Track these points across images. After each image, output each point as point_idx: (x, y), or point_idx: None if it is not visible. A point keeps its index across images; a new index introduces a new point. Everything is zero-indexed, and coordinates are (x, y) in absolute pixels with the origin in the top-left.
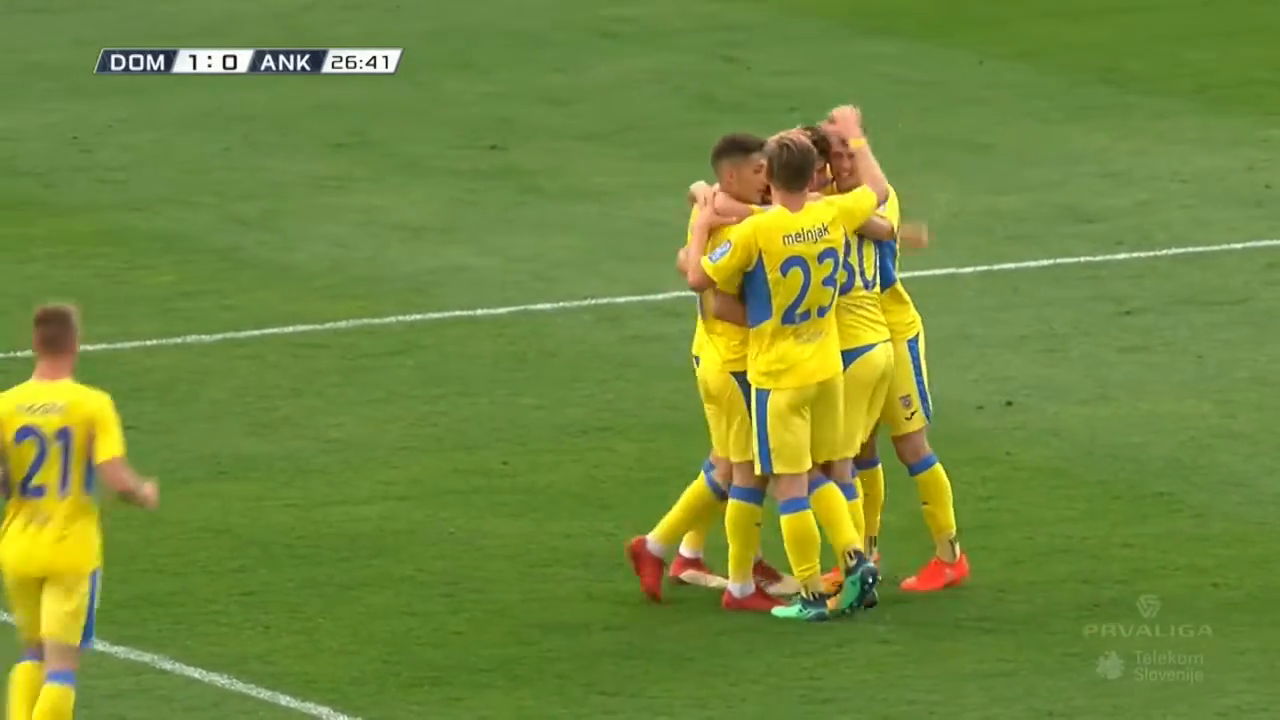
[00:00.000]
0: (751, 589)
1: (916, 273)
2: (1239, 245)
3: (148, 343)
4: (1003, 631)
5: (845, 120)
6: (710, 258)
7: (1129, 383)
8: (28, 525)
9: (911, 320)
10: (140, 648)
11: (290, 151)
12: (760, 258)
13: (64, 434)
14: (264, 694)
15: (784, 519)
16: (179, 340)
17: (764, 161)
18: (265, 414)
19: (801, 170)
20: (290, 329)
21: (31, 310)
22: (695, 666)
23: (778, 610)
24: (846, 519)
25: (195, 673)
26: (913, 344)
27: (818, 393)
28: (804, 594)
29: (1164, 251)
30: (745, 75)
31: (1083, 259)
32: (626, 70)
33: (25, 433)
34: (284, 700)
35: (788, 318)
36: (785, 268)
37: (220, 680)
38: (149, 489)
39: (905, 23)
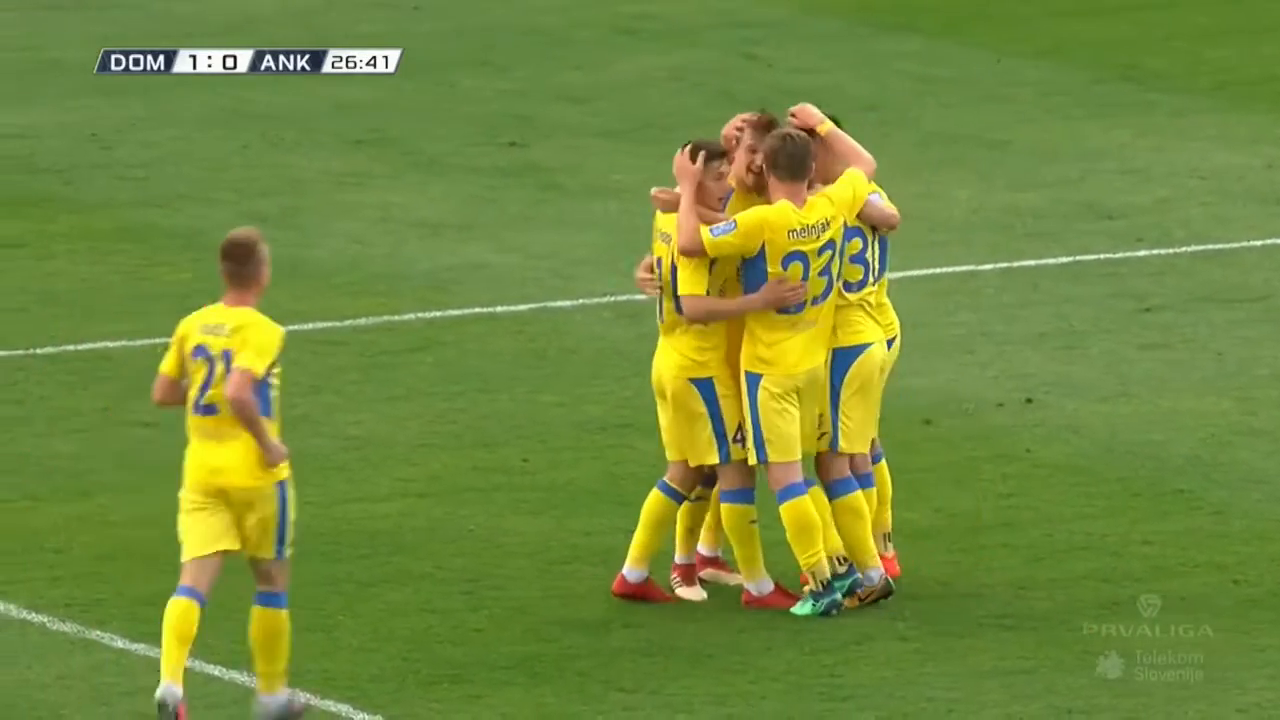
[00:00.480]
0: (770, 586)
1: (936, 269)
2: (1259, 242)
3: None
4: (1023, 629)
5: (805, 112)
6: (712, 230)
7: (1149, 380)
8: (205, 441)
9: (889, 322)
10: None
11: (309, 149)
12: (763, 249)
13: (226, 355)
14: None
15: (782, 508)
16: None
17: (723, 170)
18: (284, 411)
19: (804, 160)
20: (309, 326)
21: (50, 306)
22: (715, 664)
23: (794, 608)
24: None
25: (215, 670)
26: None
27: (805, 381)
28: (812, 584)
29: (1184, 249)
30: (765, 72)
31: (1102, 256)
32: (646, 67)
33: (198, 351)
34: (303, 697)
35: (783, 309)
36: (786, 262)
37: (240, 678)
38: (280, 448)
39: (925, 20)
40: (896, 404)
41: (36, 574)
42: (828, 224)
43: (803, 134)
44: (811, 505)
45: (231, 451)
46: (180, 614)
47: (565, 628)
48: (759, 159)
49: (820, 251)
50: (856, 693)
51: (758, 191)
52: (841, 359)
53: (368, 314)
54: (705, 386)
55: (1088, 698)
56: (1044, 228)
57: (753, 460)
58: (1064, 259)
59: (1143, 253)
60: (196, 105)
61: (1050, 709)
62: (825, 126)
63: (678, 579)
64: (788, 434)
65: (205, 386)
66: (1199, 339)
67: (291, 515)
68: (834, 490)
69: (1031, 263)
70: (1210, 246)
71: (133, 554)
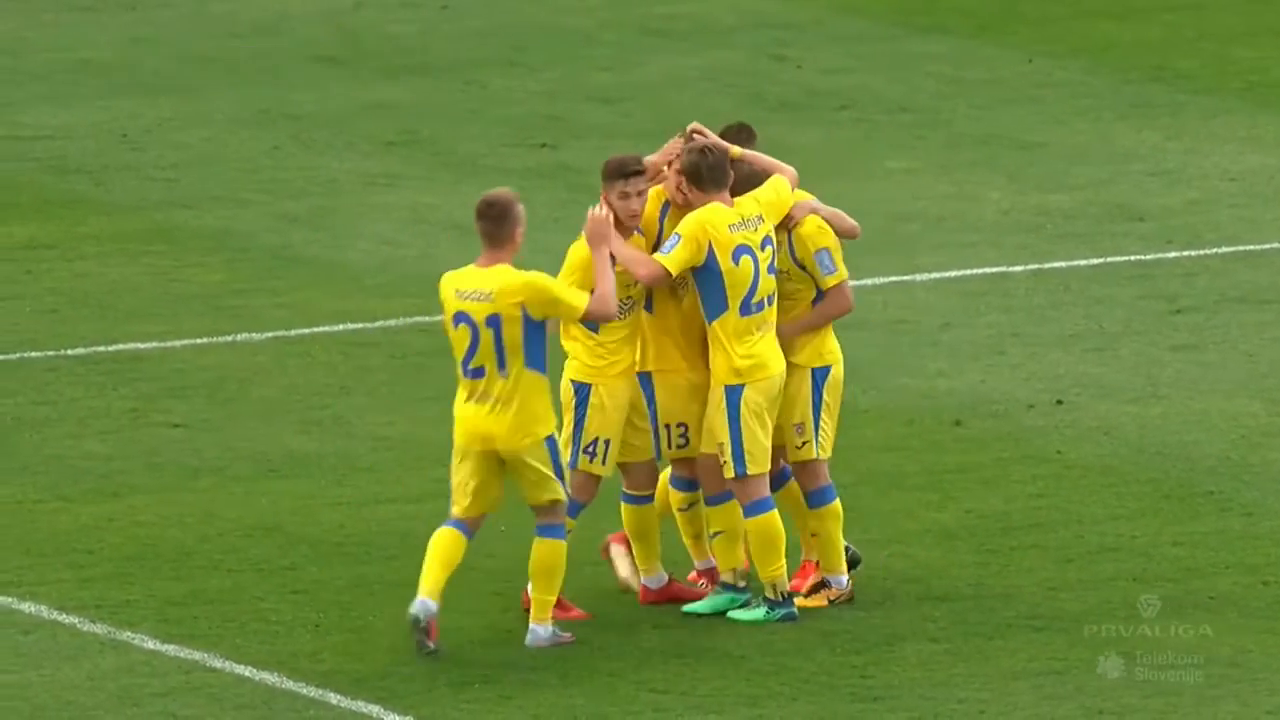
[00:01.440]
0: (665, 578)
1: (966, 271)
2: None
3: (198, 341)
4: (1053, 630)
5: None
6: (662, 251)
7: (1179, 381)
8: (473, 401)
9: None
10: (191, 646)
11: (340, 150)
12: (711, 249)
13: (493, 321)
14: (313, 692)
15: (750, 523)
16: (229, 338)
17: (628, 190)
18: (315, 412)
19: (724, 168)
20: (340, 327)
21: (80, 308)
22: (746, 665)
23: (737, 613)
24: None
25: (245, 671)
26: (820, 374)
27: (778, 388)
28: (770, 594)
29: (1214, 250)
30: (795, 73)
31: (1133, 257)
32: (676, 68)
33: (459, 318)
34: (334, 698)
35: (745, 309)
36: (736, 256)
37: (270, 678)
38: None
39: (955, 21)
40: (926, 405)
41: (66, 575)
42: (761, 217)
43: (718, 144)
44: (779, 519)
45: (498, 417)
46: (448, 541)
47: (596, 629)
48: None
49: (763, 246)
50: (887, 694)
51: (690, 210)
52: (821, 373)
53: (399, 315)
54: (581, 390)
55: (1117, 699)
56: (1074, 229)
57: (731, 474)
58: (1094, 260)
59: (1173, 254)
60: (227, 106)
61: (1081, 710)
62: (735, 150)
63: (704, 584)
64: (764, 446)
65: (471, 352)
66: (1229, 340)
67: (565, 459)
68: (819, 497)
69: (1062, 264)
70: (1240, 248)
71: (163, 555)
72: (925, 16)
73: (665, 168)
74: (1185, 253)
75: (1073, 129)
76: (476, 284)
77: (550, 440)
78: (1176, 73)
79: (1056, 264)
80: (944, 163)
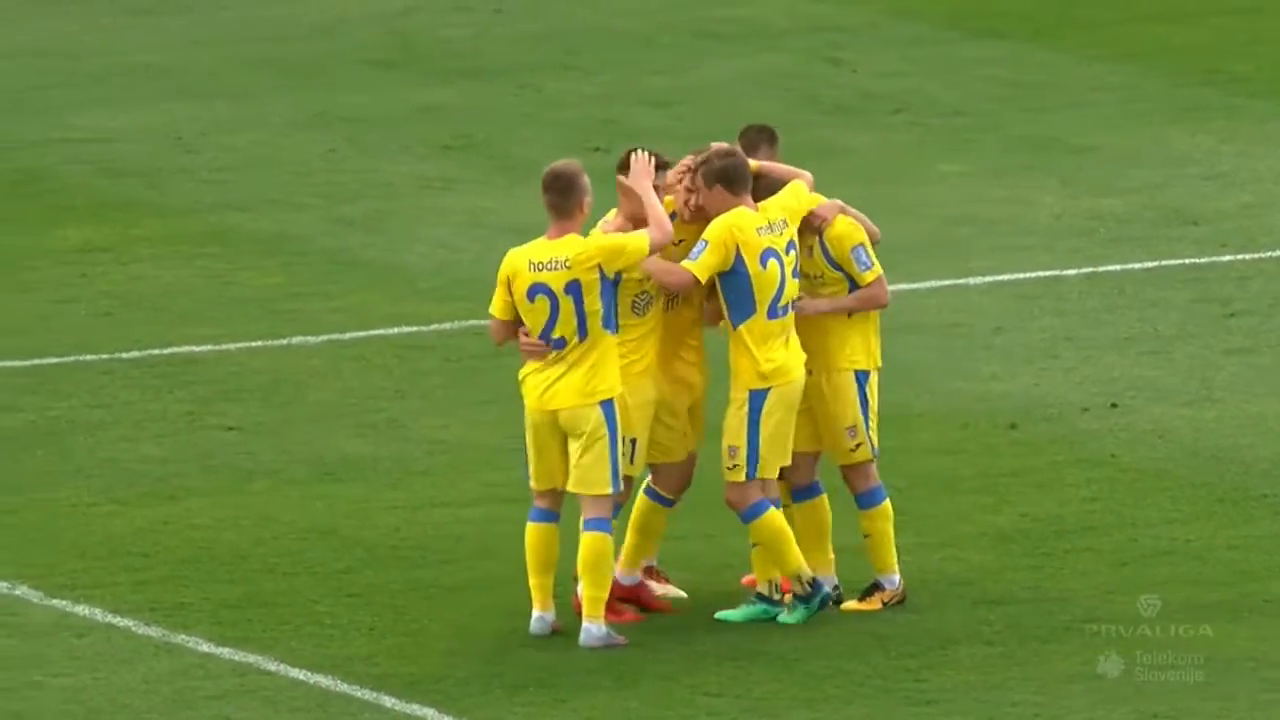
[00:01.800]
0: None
1: (1020, 274)
2: None
3: (253, 344)
4: (1108, 633)
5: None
6: (690, 257)
7: (1234, 384)
8: (547, 366)
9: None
10: (246, 649)
11: (396, 153)
12: (739, 253)
13: (572, 287)
14: (368, 695)
15: (754, 526)
16: (284, 342)
17: (654, 183)
18: (370, 416)
19: (748, 172)
20: (396, 331)
21: (134, 311)
22: (800, 668)
23: (784, 618)
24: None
25: (300, 674)
26: (862, 376)
27: (800, 392)
28: (798, 589)
29: (1268, 254)
30: (850, 77)
31: (1187, 261)
32: (730, 72)
33: (536, 290)
34: (388, 702)
35: (772, 312)
36: (764, 259)
37: (325, 681)
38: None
39: (1009, 25)
40: (981, 408)
41: (121, 578)
42: (786, 222)
43: (739, 149)
44: (781, 515)
45: (565, 379)
46: (538, 541)
47: (650, 632)
48: (696, 198)
49: (787, 250)
50: (941, 697)
51: (697, 224)
52: (863, 375)
53: (454, 319)
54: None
55: (1172, 702)
56: (1128, 233)
57: (744, 477)
58: (1148, 264)
59: (1227, 258)
60: (281, 109)
61: (1135, 713)
62: (753, 165)
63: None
64: (779, 452)
65: (551, 323)
66: None
67: (620, 446)
68: (869, 498)
69: (1116, 267)
70: None
71: (217, 558)
72: (979, 21)
73: (677, 184)
74: (1239, 256)
75: (1126, 133)
76: (551, 253)
77: (607, 405)
78: (1230, 76)
79: (1110, 267)
80: (997, 167)
